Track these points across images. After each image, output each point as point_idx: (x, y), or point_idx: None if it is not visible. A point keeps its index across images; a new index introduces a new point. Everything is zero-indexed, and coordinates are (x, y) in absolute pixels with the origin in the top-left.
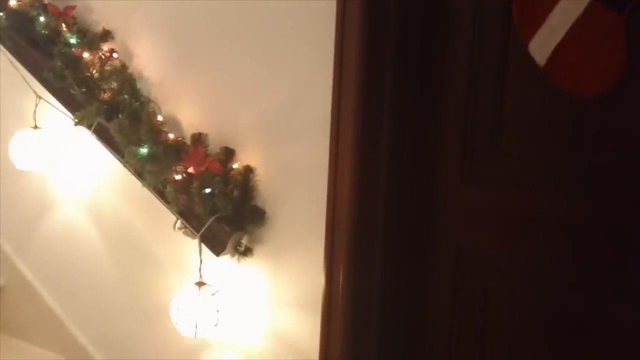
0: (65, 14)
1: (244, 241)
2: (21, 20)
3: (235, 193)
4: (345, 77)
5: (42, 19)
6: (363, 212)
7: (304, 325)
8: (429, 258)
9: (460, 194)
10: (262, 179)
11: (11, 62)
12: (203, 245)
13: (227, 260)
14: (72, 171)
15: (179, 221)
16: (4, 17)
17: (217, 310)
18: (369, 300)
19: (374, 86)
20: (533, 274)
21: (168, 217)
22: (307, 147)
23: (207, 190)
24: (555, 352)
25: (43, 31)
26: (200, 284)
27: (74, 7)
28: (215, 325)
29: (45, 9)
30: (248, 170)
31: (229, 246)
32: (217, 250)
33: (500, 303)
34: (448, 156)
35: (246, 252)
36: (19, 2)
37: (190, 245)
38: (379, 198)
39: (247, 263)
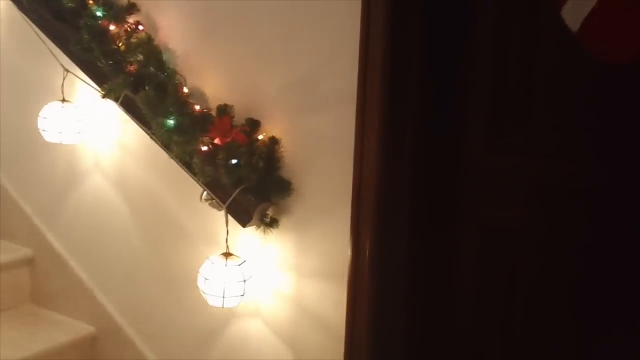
0: None
1: (270, 212)
2: None
3: (261, 164)
4: (372, 43)
5: None
6: (390, 182)
7: (329, 296)
8: (456, 228)
9: (487, 163)
10: (288, 149)
11: (37, 35)
12: (229, 216)
13: (253, 231)
14: (100, 143)
15: (205, 192)
16: None
17: (244, 281)
18: (395, 271)
19: (400, 52)
20: (562, 245)
21: (194, 189)
22: (332, 116)
23: (233, 161)
24: (582, 326)
25: (70, 4)
26: (227, 254)
27: None
28: (242, 295)
29: None
30: (273, 141)
31: (255, 217)
32: (243, 221)
33: (527, 274)
34: (475, 124)
35: (272, 222)
36: None
37: (217, 216)
38: (405, 167)
39: (273, 234)
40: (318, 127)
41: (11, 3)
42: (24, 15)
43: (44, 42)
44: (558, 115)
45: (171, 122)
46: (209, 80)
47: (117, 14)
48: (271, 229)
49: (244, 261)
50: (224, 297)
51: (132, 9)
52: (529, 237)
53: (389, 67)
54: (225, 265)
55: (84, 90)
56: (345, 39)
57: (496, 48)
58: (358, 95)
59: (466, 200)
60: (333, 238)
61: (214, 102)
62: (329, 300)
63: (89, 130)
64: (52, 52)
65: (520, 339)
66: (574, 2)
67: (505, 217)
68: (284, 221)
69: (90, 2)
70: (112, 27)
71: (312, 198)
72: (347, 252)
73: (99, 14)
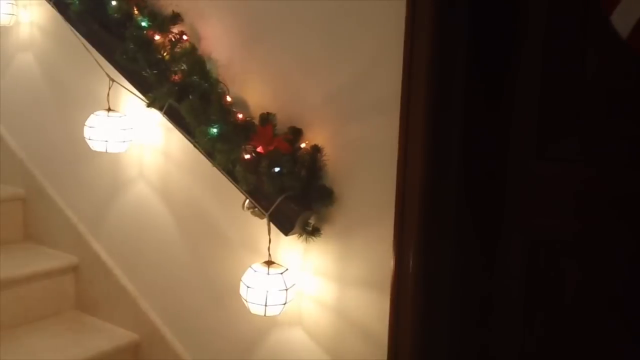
0: None
1: (312, 221)
2: (94, 5)
3: (303, 172)
4: (416, 51)
5: (114, 2)
6: (434, 191)
7: (372, 306)
8: (501, 237)
9: (534, 172)
10: (330, 158)
11: (84, 46)
12: (272, 225)
13: (295, 239)
14: (144, 152)
15: (247, 200)
16: (77, 2)
17: (286, 289)
18: (440, 282)
19: (446, 60)
20: (613, 255)
21: (237, 197)
22: (375, 124)
23: (276, 170)
24: (630, 338)
25: (115, 15)
26: (269, 262)
27: None
28: (284, 303)
29: None
30: (315, 150)
31: (297, 226)
32: (286, 229)
33: (574, 284)
34: (523, 132)
35: (314, 231)
36: None
37: (259, 225)
38: (450, 176)
39: (315, 242)
40: (361, 135)
41: (58, 15)
42: (70, 27)
43: (90, 52)
44: (607, 123)
45: (214, 130)
46: (252, 89)
47: (162, 24)
48: (313, 237)
49: (286, 269)
50: (266, 305)
51: (176, 19)
52: (576, 246)
53: (434, 75)
54: (268, 273)
55: (129, 99)
56: (388, 47)
57: (544, 55)
58: (402, 103)
59: (512, 210)
60: (376, 247)
61: (256, 111)
62: (372, 309)
63: (134, 138)
64: (98, 62)
65: (567, 350)
66: (624, 8)
67: (552, 226)
68: (326, 230)
69: (136, 12)
70: (157, 37)
71: (355, 207)
72: (390, 262)
73: (144, 24)
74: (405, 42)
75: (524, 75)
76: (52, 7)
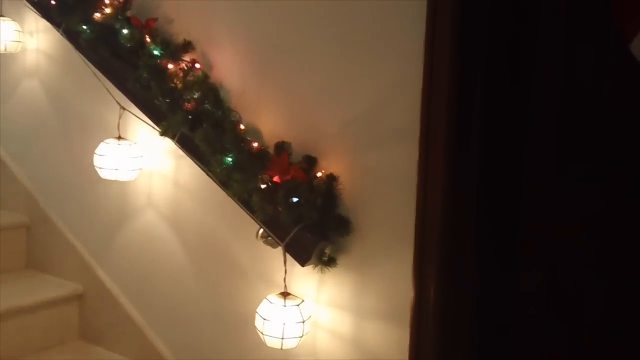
0: (148, 26)
1: (328, 251)
2: (105, 33)
3: (319, 201)
4: (435, 80)
5: (125, 31)
6: (454, 221)
7: (389, 339)
8: (522, 266)
9: (553, 194)
10: (346, 187)
11: (94, 74)
12: (287, 255)
13: (310, 270)
14: (153, 180)
15: (261, 230)
16: (88, 30)
17: (303, 322)
18: (461, 312)
19: (465, 89)
20: (634, 277)
21: (250, 226)
22: (392, 153)
23: (294, 200)
24: None
25: (127, 43)
26: (285, 294)
27: (155, 19)
28: (301, 336)
29: (128, 21)
30: (331, 179)
31: (314, 256)
32: (302, 259)
33: (595, 314)
34: (541, 158)
35: (330, 261)
36: (103, 15)
37: (274, 255)
38: (471, 206)
39: (331, 273)
40: (378, 164)
41: (66, 42)
42: (80, 55)
43: (100, 80)
44: (628, 149)
45: (229, 159)
46: (266, 117)
47: (174, 53)
48: (329, 268)
49: (302, 301)
50: (282, 338)
51: (187, 47)
52: (598, 275)
53: (453, 104)
54: (284, 305)
55: (138, 127)
56: (406, 74)
57: (563, 82)
58: (421, 131)
59: (532, 238)
60: (394, 278)
61: (270, 140)
62: (391, 342)
63: (144, 167)
64: (108, 90)
65: None
66: None
67: (572, 249)
68: (342, 260)
69: (148, 40)
70: (169, 66)
71: (372, 237)
72: (410, 294)
73: (156, 52)
74: (424, 70)
75: (543, 103)
76: (62, 35)
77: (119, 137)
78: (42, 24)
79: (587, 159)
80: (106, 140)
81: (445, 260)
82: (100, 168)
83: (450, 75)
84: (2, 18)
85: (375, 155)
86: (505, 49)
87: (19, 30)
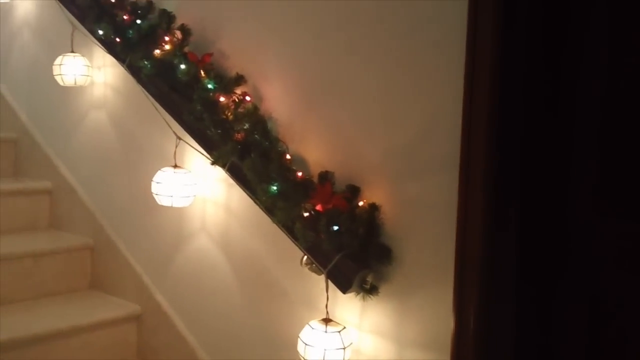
0: (204, 61)
1: (370, 279)
2: (164, 68)
3: (361, 230)
4: (474, 109)
5: (182, 66)
6: (494, 253)
7: None
8: (564, 299)
9: (595, 231)
10: (388, 216)
11: (154, 106)
12: (329, 282)
13: (352, 297)
14: (207, 206)
15: (305, 257)
16: (149, 65)
17: (344, 348)
18: (501, 342)
19: (505, 120)
20: None
21: (295, 252)
22: (433, 183)
23: (335, 228)
24: None
25: (183, 77)
26: (326, 320)
27: (211, 54)
28: None
29: (186, 57)
30: (373, 208)
31: (355, 283)
32: (344, 287)
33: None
34: (583, 190)
35: (372, 289)
36: (163, 52)
37: (317, 281)
38: (511, 237)
39: (373, 301)
40: (419, 194)
41: (130, 76)
42: (142, 88)
43: (159, 112)
44: None
45: (274, 188)
46: (311, 147)
47: (227, 86)
48: (371, 296)
49: (344, 328)
50: None
51: (240, 80)
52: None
53: (494, 134)
54: (325, 331)
55: (193, 156)
56: (446, 106)
57: (603, 113)
58: (461, 162)
59: (574, 270)
60: (435, 307)
61: (315, 169)
62: None
63: (198, 194)
64: (166, 122)
65: None
66: None
67: (613, 282)
68: (384, 288)
69: (203, 75)
70: (221, 99)
71: (413, 265)
72: (450, 322)
73: (210, 86)
74: (464, 103)
75: (583, 132)
76: (125, 69)
77: (175, 166)
78: (109, 59)
79: (629, 193)
80: (163, 169)
81: (485, 291)
82: (157, 195)
83: (489, 108)
84: (73, 54)
85: (416, 185)
86: (544, 81)
87: (88, 65)
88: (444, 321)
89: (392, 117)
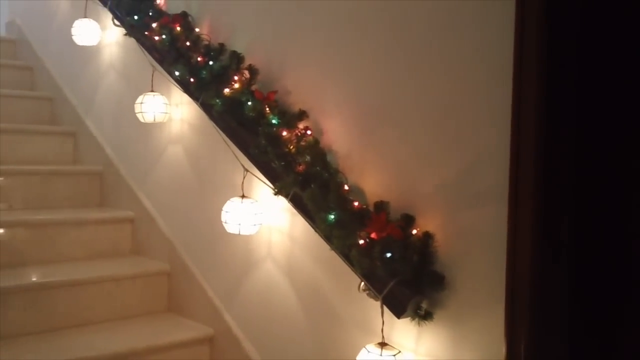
0: (269, 98)
1: (424, 305)
2: (233, 105)
3: (415, 258)
4: (522, 142)
5: (249, 103)
6: (545, 283)
7: None
8: (616, 331)
9: None
10: (441, 244)
11: (224, 140)
12: (385, 307)
13: (407, 322)
14: (272, 234)
15: (362, 283)
16: (220, 102)
17: None
18: None
19: (553, 147)
20: None
21: (353, 278)
22: (485, 213)
23: (388, 255)
24: None
25: (250, 114)
26: (382, 344)
27: (275, 92)
28: None
29: (253, 94)
30: (427, 236)
31: (409, 309)
32: (398, 312)
33: None
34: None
35: (426, 315)
36: (232, 90)
37: (373, 307)
38: (561, 268)
39: (427, 326)
40: (472, 223)
41: (204, 113)
42: (213, 124)
43: (229, 145)
44: None
45: (332, 217)
46: (368, 178)
47: (289, 121)
48: (425, 321)
49: (399, 352)
50: None
51: (302, 115)
52: None
53: (541, 166)
54: (381, 355)
55: (259, 187)
56: (496, 138)
57: None
58: (510, 193)
59: (629, 303)
60: (488, 334)
61: (372, 198)
62: None
63: (263, 222)
64: (235, 155)
65: None
66: None
67: None
68: (438, 314)
69: (268, 111)
70: (284, 133)
71: (466, 292)
72: (502, 349)
73: (274, 121)
74: (512, 136)
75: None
76: (199, 107)
77: (243, 196)
78: (185, 97)
79: None
80: (232, 199)
81: (535, 322)
82: (226, 223)
83: (536, 141)
84: (153, 93)
85: (469, 214)
86: (593, 110)
87: (166, 103)
88: (498, 347)
89: (444, 150)
